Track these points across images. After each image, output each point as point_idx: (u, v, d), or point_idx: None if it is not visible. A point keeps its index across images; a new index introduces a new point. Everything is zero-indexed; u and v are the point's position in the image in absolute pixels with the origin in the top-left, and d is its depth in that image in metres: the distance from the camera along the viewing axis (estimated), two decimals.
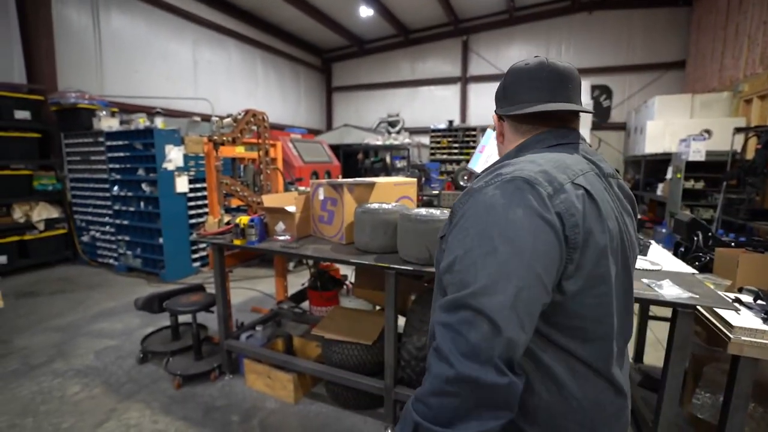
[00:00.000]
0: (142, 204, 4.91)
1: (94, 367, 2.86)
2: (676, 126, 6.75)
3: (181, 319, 3.12)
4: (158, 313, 3.02)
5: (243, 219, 2.40)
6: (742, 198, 5.00)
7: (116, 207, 5.13)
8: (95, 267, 5.43)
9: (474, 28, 10.81)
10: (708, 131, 6.40)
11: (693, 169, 5.74)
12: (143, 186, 4.85)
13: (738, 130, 5.54)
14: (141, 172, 4.84)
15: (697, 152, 5.80)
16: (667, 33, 8.97)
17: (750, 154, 5.38)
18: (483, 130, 10.42)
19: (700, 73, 8.05)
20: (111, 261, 5.34)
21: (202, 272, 5.21)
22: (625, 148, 9.47)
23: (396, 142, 9.35)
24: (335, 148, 9.21)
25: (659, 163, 7.02)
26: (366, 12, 9.27)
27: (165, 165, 4.68)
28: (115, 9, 6.65)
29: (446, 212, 1.91)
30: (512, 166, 0.77)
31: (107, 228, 5.30)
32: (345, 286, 3.42)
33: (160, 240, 4.76)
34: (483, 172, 0.88)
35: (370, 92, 12.68)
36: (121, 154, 4.95)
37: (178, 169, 4.82)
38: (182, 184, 4.85)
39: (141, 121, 4.94)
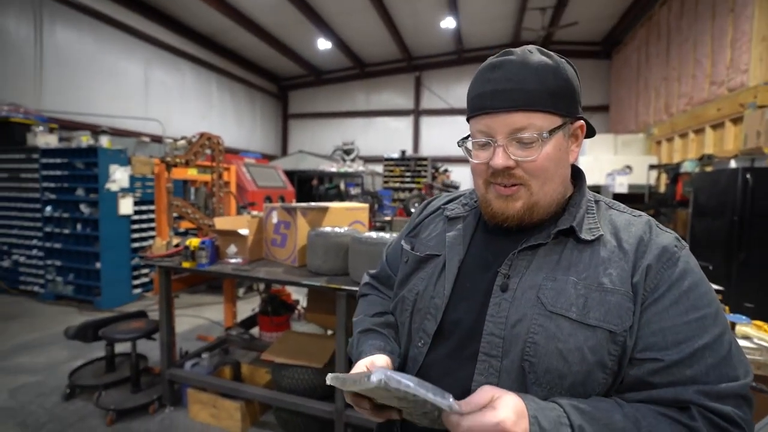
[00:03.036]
0: (78, 226, 4.59)
1: (7, 407, 2.55)
2: (603, 162, 7.57)
3: (119, 349, 2.92)
4: (92, 342, 2.81)
5: (193, 241, 2.37)
6: None
7: (47, 229, 4.74)
8: (14, 295, 4.90)
9: (426, 65, 11.55)
10: (629, 167, 7.24)
11: (618, 200, 6.39)
12: (82, 207, 4.55)
13: (651, 167, 6.33)
14: (80, 192, 4.55)
15: (621, 185, 6.53)
16: (593, 81, 10.16)
17: (663, 188, 6.15)
18: (434, 160, 10.96)
19: (620, 116, 9.15)
20: (36, 288, 4.86)
21: (145, 298, 4.89)
22: None
23: (350, 170, 9.55)
24: (290, 174, 9.20)
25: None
26: (324, 45, 9.61)
27: (108, 185, 4.45)
28: (60, 22, 6.37)
29: (395, 235, 2.02)
30: (656, 223, 0.69)
31: (34, 252, 4.85)
32: (296, 311, 3.40)
33: (97, 264, 4.45)
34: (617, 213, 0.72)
35: (326, 120, 12.92)
36: (59, 173, 4.63)
37: (123, 190, 4.59)
38: (126, 206, 4.62)
39: (84, 139, 4.69)
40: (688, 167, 5.31)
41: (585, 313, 0.59)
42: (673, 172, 5.63)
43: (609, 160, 7.48)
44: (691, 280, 0.60)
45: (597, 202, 0.72)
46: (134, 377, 2.61)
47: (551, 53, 0.65)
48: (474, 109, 0.66)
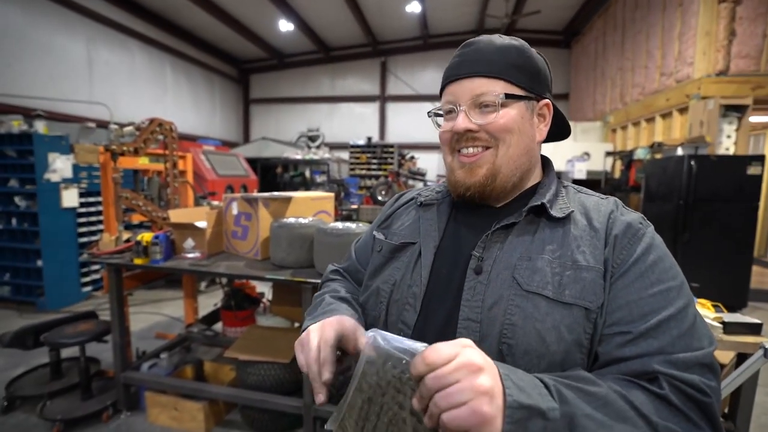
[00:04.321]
0: (14, 221, 4.18)
1: None
2: (563, 148, 7.83)
3: (67, 353, 2.71)
4: (33, 349, 2.58)
5: (146, 236, 2.20)
6: None
7: None
8: None
9: (392, 50, 11.38)
10: (587, 154, 7.55)
11: (578, 185, 6.71)
12: (16, 200, 4.14)
13: (608, 153, 6.63)
14: (14, 183, 4.13)
15: (580, 171, 6.80)
16: (555, 69, 10.14)
17: (618, 174, 6.47)
18: (401, 147, 10.95)
19: (579, 104, 9.49)
20: None
21: (95, 297, 4.57)
22: None
23: (316, 157, 9.34)
24: (253, 162, 8.86)
25: None
26: (286, 26, 9.22)
27: (48, 176, 4.06)
28: None
29: (362, 225, 1.98)
30: (622, 204, 0.69)
31: None
32: (262, 304, 3.29)
33: (39, 262, 4.09)
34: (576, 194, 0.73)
35: (290, 106, 12.51)
36: None
37: (66, 180, 4.22)
38: (70, 198, 4.25)
39: (15, 124, 4.24)
40: (640, 154, 5.60)
41: (561, 291, 0.59)
42: (627, 158, 5.93)
43: (569, 147, 7.74)
44: (656, 255, 0.61)
45: (566, 186, 0.74)
46: (84, 383, 2.43)
47: (519, 39, 0.69)
48: (444, 80, 0.71)
